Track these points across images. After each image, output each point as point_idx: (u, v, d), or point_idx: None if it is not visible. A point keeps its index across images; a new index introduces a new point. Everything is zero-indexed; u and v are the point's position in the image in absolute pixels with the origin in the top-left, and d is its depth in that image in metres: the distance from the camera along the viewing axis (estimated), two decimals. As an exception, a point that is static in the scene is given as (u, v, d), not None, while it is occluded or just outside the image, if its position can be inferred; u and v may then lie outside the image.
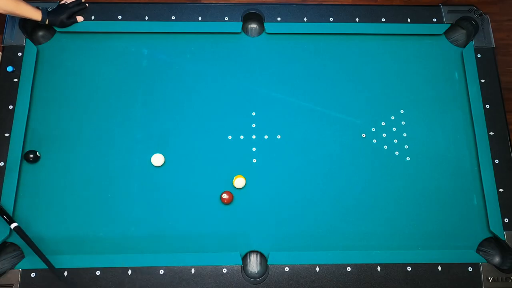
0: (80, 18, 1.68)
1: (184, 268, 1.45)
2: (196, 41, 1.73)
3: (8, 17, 1.68)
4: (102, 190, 1.54)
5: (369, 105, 1.68)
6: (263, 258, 1.50)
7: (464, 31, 1.78)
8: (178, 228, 1.52)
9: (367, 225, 1.54)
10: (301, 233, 1.53)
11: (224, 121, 1.64)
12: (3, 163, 1.53)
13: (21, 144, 1.55)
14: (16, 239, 1.47)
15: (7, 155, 1.53)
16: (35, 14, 1.60)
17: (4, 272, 1.42)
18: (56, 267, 1.41)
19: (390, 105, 1.68)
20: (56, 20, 1.64)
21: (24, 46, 1.65)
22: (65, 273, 1.42)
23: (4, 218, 1.42)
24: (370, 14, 1.76)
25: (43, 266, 1.42)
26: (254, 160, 1.60)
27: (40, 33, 1.73)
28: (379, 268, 1.47)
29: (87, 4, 1.70)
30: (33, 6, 1.60)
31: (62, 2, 1.69)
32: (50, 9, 1.65)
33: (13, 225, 1.40)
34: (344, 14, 1.76)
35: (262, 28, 1.76)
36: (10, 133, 1.56)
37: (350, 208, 1.56)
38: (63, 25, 1.65)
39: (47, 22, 1.63)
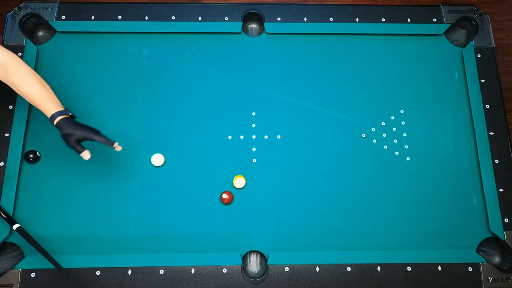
0: (86, 156, 1.29)
1: (184, 268, 1.45)
2: (196, 41, 1.73)
3: (8, 16, 1.68)
4: (102, 190, 1.54)
5: (369, 105, 1.68)
6: (263, 258, 1.50)
7: (464, 31, 1.78)
8: (178, 228, 1.52)
9: (367, 225, 1.54)
10: (301, 233, 1.53)
11: (224, 121, 1.64)
12: (3, 163, 1.53)
13: (21, 144, 1.55)
14: (16, 239, 1.47)
15: (7, 155, 1.53)
16: (52, 110, 1.27)
17: (4, 272, 1.42)
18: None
19: (390, 105, 1.68)
20: (67, 131, 1.26)
21: (24, 46, 1.65)
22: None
23: (5, 219, 1.42)
24: (370, 14, 1.76)
25: (43, 266, 1.42)
26: (254, 160, 1.60)
27: (40, 33, 1.73)
28: (379, 268, 1.47)
29: (119, 147, 1.33)
30: (60, 104, 1.30)
31: (99, 133, 1.32)
32: (72, 117, 1.32)
33: (15, 226, 1.40)
34: (344, 14, 1.76)
35: (262, 28, 1.76)
36: (10, 133, 1.56)
37: (350, 208, 1.56)
38: (66, 140, 1.28)
39: (54, 123, 1.28)
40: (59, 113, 1.27)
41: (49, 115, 1.27)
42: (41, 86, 1.29)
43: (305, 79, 1.70)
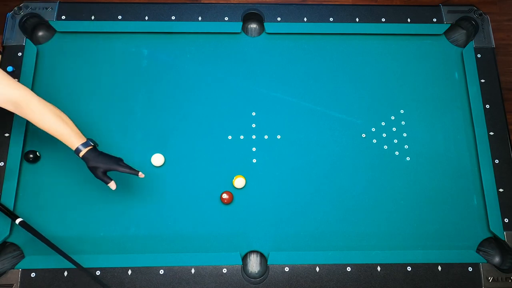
0: (113, 186, 1.33)
1: (184, 268, 1.45)
2: (196, 41, 1.73)
3: (8, 16, 1.68)
4: (102, 190, 1.54)
5: (369, 105, 1.68)
6: (263, 258, 1.50)
7: (464, 31, 1.78)
8: (178, 228, 1.52)
9: (367, 225, 1.54)
10: (301, 233, 1.53)
11: (224, 121, 1.64)
12: (3, 163, 1.53)
13: (21, 144, 1.55)
14: (16, 239, 1.47)
15: (7, 155, 1.53)
16: (75, 143, 1.29)
17: (4, 272, 1.42)
18: (56, 267, 1.41)
19: (390, 105, 1.68)
20: (94, 163, 1.29)
21: (24, 46, 1.65)
22: (65, 273, 1.43)
23: (7, 214, 1.42)
24: (370, 14, 1.76)
25: (43, 266, 1.43)
26: (254, 160, 1.61)
27: (40, 33, 1.73)
28: (379, 268, 1.47)
29: (141, 175, 1.34)
30: (80, 134, 1.31)
31: (122, 161, 1.34)
32: (96, 145, 1.34)
33: (18, 220, 1.39)
34: (344, 14, 1.76)
35: (262, 28, 1.76)
36: (10, 133, 1.56)
37: (350, 208, 1.56)
38: (93, 172, 1.31)
39: (79, 156, 1.30)
40: (83, 146, 1.29)
41: (73, 148, 1.29)
42: (60, 121, 1.28)
43: (305, 79, 1.70)
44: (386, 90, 1.70)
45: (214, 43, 1.73)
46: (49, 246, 1.36)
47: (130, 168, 1.32)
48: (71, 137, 1.29)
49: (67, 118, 1.31)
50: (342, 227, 1.54)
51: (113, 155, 1.34)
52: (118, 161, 1.33)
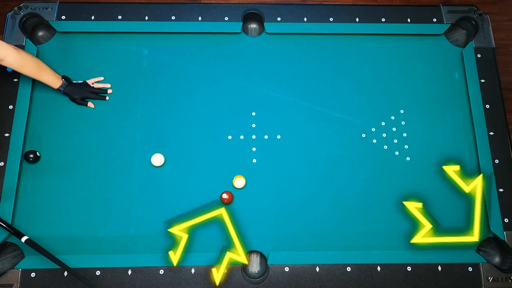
0: (91, 105, 1.63)
1: (184, 268, 1.45)
2: (196, 41, 1.73)
3: (8, 16, 1.68)
4: (102, 190, 1.54)
5: (369, 105, 1.68)
6: (263, 258, 1.50)
7: (464, 31, 1.78)
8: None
9: (367, 225, 1.54)
10: (301, 233, 1.53)
11: (224, 121, 1.64)
12: (3, 163, 1.53)
13: (21, 144, 1.55)
14: (16, 239, 1.47)
15: (7, 155, 1.53)
16: (55, 82, 1.56)
17: (4, 272, 1.42)
18: (56, 267, 1.41)
19: (390, 105, 1.68)
20: (72, 95, 1.61)
21: (24, 46, 1.65)
22: (65, 273, 1.43)
23: (13, 233, 1.41)
24: (370, 14, 1.76)
25: (43, 266, 1.43)
26: (254, 160, 1.61)
27: (40, 33, 1.73)
28: (379, 268, 1.47)
29: (107, 98, 1.65)
30: (56, 73, 1.57)
31: (89, 81, 1.65)
32: (75, 82, 1.63)
33: (24, 239, 1.39)
34: (344, 14, 1.76)
35: (262, 28, 1.76)
36: (10, 133, 1.56)
37: (350, 208, 1.56)
38: (74, 101, 1.62)
39: (61, 92, 1.60)
40: (61, 86, 1.59)
41: (56, 88, 1.58)
42: (37, 67, 1.51)
43: (305, 79, 1.70)
44: (386, 90, 1.70)
45: (214, 43, 1.73)
46: (55, 263, 1.36)
47: (97, 94, 1.64)
48: (50, 77, 1.55)
49: (42, 62, 1.54)
50: (342, 227, 1.54)
51: (81, 84, 1.63)
52: (88, 87, 1.63)
